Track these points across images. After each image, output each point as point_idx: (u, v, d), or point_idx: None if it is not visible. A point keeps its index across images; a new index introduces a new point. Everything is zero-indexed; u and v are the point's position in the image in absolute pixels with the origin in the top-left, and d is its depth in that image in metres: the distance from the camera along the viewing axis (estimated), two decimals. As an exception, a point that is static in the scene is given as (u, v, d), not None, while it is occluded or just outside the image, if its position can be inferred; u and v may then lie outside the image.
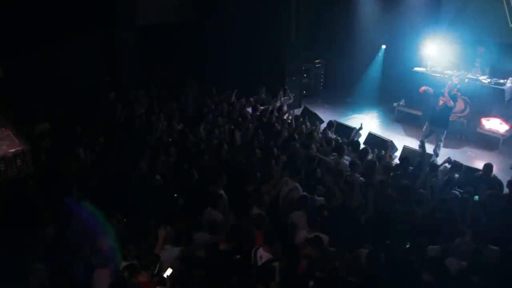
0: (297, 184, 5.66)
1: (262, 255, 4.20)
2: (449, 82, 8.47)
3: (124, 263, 4.11)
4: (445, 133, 8.43)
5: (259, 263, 4.19)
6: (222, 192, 5.49)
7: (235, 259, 4.20)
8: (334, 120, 8.76)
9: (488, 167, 6.42)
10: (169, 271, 3.99)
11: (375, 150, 7.57)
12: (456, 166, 6.59)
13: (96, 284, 4.02)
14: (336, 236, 4.62)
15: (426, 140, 8.39)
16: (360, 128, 8.25)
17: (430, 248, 4.51)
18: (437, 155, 8.27)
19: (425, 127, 8.70)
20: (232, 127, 7.82)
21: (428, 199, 5.52)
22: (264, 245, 4.25)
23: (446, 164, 6.74)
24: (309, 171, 6.07)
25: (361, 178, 6.03)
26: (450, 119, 9.25)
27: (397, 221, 4.99)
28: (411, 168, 6.72)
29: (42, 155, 6.42)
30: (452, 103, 8.23)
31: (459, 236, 4.68)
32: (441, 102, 8.32)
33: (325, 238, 4.50)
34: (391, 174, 6.43)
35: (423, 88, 8.67)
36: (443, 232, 4.80)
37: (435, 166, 6.57)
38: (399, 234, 4.73)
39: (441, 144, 8.46)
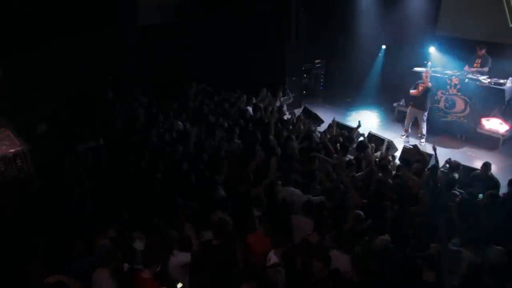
0: (291, 189, 5.64)
1: (271, 258, 4.16)
2: (425, 69, 9.35)
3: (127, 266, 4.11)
4: (426, 115, 9.24)
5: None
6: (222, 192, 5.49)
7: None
8: (334, 120, 8.78)
9: (486, 166, 6.46)
10: (179, 286, 3.99)
11: (372, 146, 7.59)
12: (454, 166, 6.58)
13: (96, 283, 4.01)
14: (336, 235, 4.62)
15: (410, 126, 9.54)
16: (359, 126, 8.28)
17: (432, 246, 4.51)
18: (422, 136, 9.31)
19: (408, 112, 9.51)
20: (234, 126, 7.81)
21: (428, 200, 5.52)
22: (275, 248, 4.22)
23: (447, 165, 6.74)
24: (308, 172, 6.07)
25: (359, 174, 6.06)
26: (450, 118, 9.43)
27: (396, 222, 4.99)
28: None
29: (42, 155, 6.42)
30: (430, 84, 9.04)
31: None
32: (420, 88, 9.08)
33: None
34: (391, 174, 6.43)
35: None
36: (443, 232, 4.80)
37: (435, 168, 6.57)
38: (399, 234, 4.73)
39: (425, 125, 9.29)
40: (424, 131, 9.32)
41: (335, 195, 5.61)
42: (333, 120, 8.75)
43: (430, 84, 9.00)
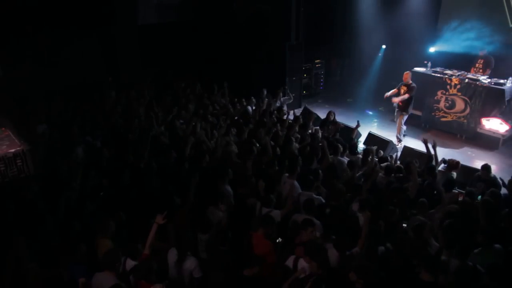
0: (295, 182, 5.66)
1: (304, 266, 4.04)
2: (405, 72, 9.18)
3: (132, 263, 4.10)
4: (405, 118, 9.26)
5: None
6: (229, 188, 5.48)
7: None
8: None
9: (486, 168, 6.39)
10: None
11: (376, 148, 7.57)
12: (451, 164, 6.56)
13: (97, 286, 3.98)
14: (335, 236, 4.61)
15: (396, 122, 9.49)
16: (358, 126, 8.28)
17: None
18: (399, 140, 9.24)
19: (395, 114, 9.56)
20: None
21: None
22: (304, 256, 4.09)
23: (443, 164, 6.72)
24: (309, 171, 6.07)
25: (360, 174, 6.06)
26: (450, 118, 9.54)
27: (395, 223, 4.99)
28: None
29: (42, 155, 6.42)
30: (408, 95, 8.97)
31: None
32: (402, 91, 9.09)
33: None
34: (392, 176, 6.41)
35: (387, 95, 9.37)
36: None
37: (432, 168, 6.54)
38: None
39: (404, 128, 9.33)
40: (401, 135, 9.30)
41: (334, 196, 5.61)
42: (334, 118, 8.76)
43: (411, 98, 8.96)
